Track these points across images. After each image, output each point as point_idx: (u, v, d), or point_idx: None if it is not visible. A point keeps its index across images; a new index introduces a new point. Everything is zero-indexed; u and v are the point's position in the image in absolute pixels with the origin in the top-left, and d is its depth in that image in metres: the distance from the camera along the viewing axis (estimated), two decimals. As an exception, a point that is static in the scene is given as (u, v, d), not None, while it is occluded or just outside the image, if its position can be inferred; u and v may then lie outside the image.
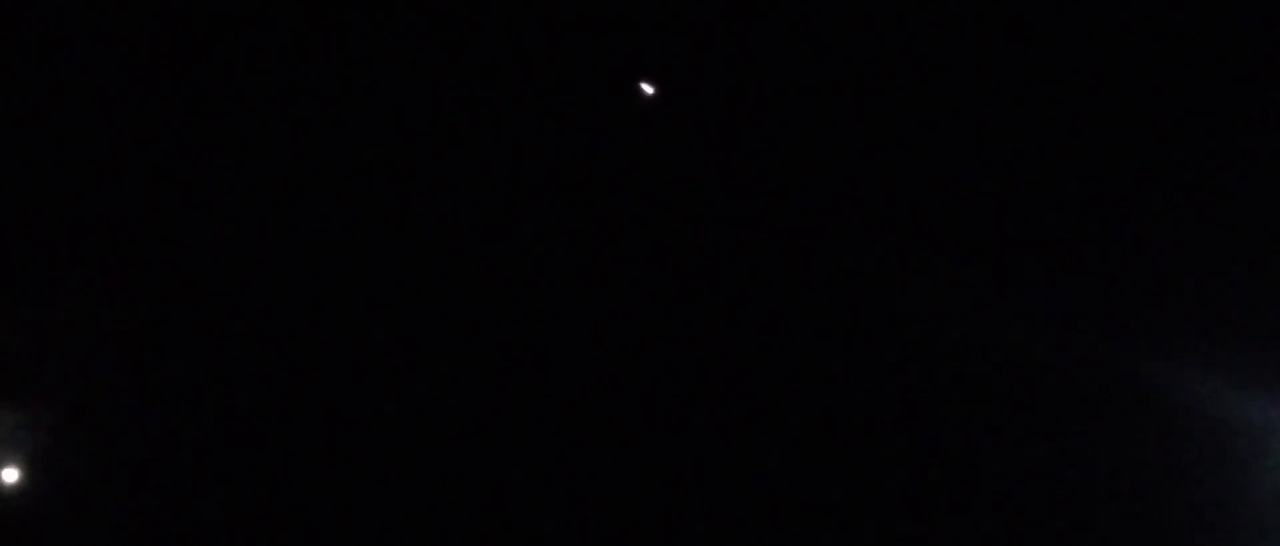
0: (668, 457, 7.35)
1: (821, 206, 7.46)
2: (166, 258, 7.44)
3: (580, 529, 7.33)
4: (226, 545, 7.25)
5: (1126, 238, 7.17)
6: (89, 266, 7.36)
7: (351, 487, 7.33)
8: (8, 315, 7.18)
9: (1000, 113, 7.33)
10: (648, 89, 7.47)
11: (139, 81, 7.41)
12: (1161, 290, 7.03)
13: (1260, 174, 6.99)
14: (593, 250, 7.51)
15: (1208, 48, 7.07)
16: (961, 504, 7.17)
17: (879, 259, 7.33)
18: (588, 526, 7.32)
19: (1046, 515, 7.02)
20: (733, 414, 7.39)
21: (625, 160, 7.54)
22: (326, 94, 7.50)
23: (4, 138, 7.28)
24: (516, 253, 7.52)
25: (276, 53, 7.46)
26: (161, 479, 7.28)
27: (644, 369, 7.43)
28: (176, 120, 7.44)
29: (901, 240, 7.36)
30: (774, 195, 7.49)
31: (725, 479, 7.32)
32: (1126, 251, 7.16)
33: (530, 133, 7.53)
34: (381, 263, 7.51)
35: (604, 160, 7.53)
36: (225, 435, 7.38)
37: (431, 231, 7.51)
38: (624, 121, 7.54)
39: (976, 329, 7.15)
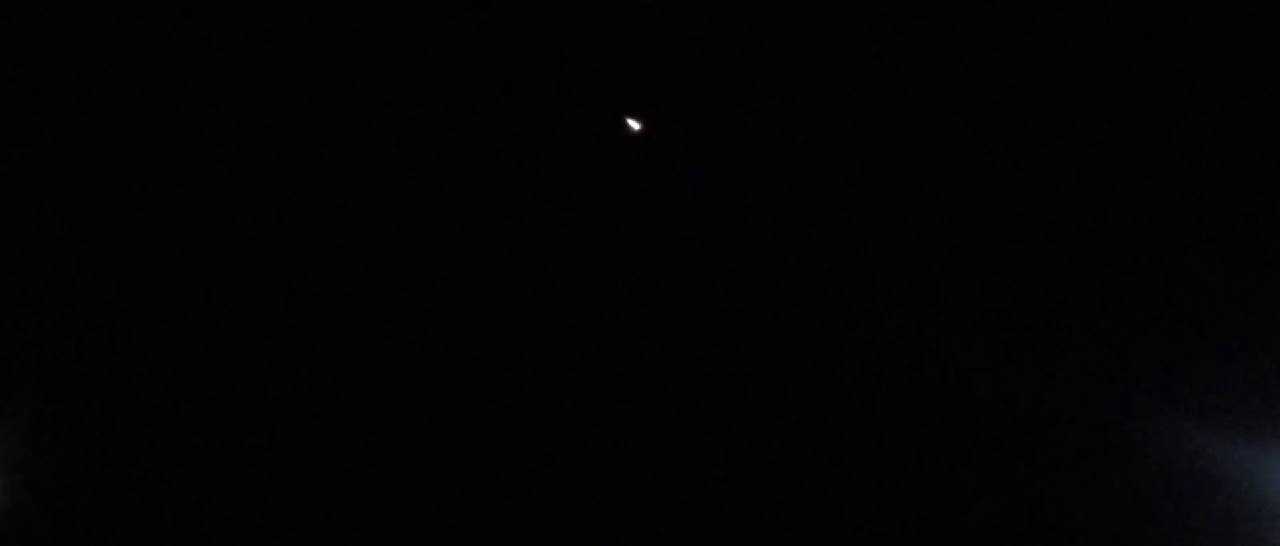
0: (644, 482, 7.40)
1: (804, 245, 7.51)
2: (137, 263, 7.43)
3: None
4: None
5: (1128, 287, 7.22)
6: (58, 273, 7.35)
7: (327, 494, 7.35)
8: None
9: (994, 161, 7.36)
10: (634, 124, 7.49)
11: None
12: (1161, 341, 7.10)
13: (1261, 225, 7.04)
14: (577, 287, 7.54)
15: (1209, 94, 7.13)
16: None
17: (874, 311, 7.37)
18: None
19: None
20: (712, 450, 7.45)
21: (610, 193, 7.58)
22: (300, 114, 7.52)
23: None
24: (497, 287, 7.56)
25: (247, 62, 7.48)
26: (133, 486, 7.27)
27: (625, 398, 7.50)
28: (138, 125, 7.44)
29: (897, 291, 7.40)
30: (759, 231, 7.54)
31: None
32: (1127, 300, 7.21)
33: (516, 165, 7.56)
34: (344, 278, 7.54)
35: (589, 194, 7.57)
36: (199, 442, 7.36)
37: (408, 259, 7.55)
38: (608, 156, 7.57)
39: (973, 381, 7.19)
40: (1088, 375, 7.10)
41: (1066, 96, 7.24)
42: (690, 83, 7.51)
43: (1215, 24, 6.93)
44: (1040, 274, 7.29)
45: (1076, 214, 7.25)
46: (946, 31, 7.27)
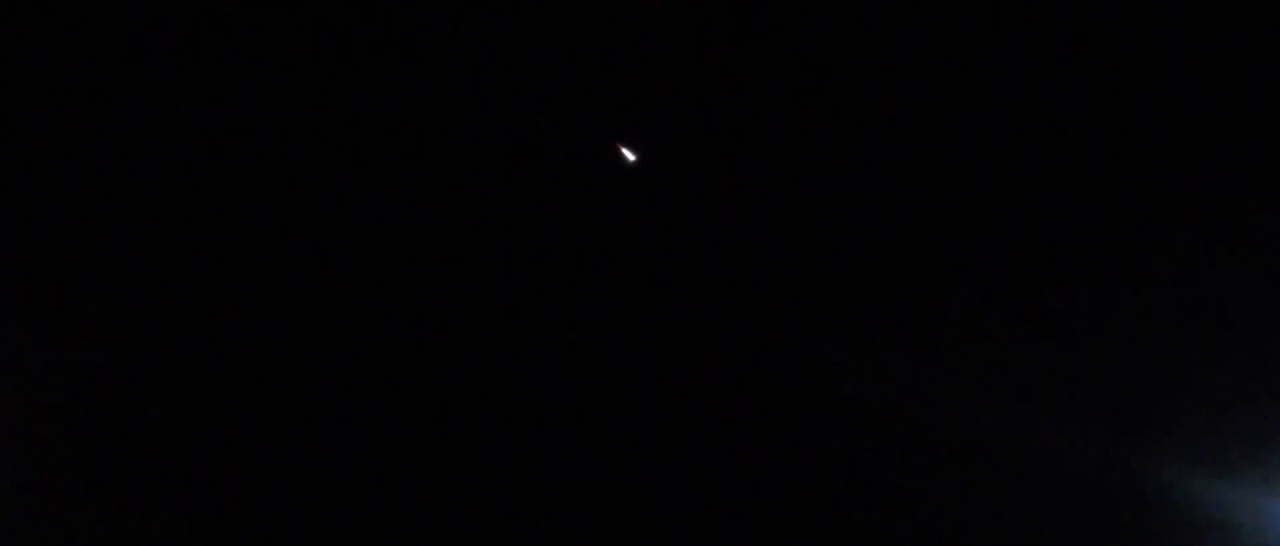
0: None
1: (802, 274, 7.49)
2: (134, 263, 7.48)
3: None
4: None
5: (1126, 328, 7.17)
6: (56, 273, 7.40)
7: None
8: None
9: (995, 197, 7.32)
10: (629, 154, 7.48)
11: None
12: (1160, 382, 7.04)
13: (1260, 262, 6.99)
14: (574, 320, 7.56)
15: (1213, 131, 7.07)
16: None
17: (872, 351, 7.35)
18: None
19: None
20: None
21: (606, 226, 7.58)
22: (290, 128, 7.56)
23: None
24: (494, 316, 7.58)
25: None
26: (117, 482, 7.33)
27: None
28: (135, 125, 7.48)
29: (894, 329, 7.36)
30: (757, 258, 7.53)
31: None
32: (1126, 341, 7.17)
33: (512, 198, 7.58)
34: (341, 281, 7.57)
35: (585, 226, 7.58)
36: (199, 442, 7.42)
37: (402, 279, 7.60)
38: (605, 186, 7.57)
39: (970, 419, 7.16)
40: (1086, 416, 7.07)
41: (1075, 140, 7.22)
42: (686, 111, 7.51)
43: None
44: (1037, 313, 7.25)
45: (1076, 253, 7.22)
46: (948, 56, 7.28)
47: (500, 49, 7.42)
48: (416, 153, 7.50)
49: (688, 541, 7.36)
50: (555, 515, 7.41)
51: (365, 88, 7.46)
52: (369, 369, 7.50)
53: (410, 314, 7.53)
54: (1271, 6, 6.75)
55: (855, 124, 7.34)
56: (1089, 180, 7.12)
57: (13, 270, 7.30)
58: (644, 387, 7.45)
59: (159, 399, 7.41)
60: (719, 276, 7.48)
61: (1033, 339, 7.20)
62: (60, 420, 7.28)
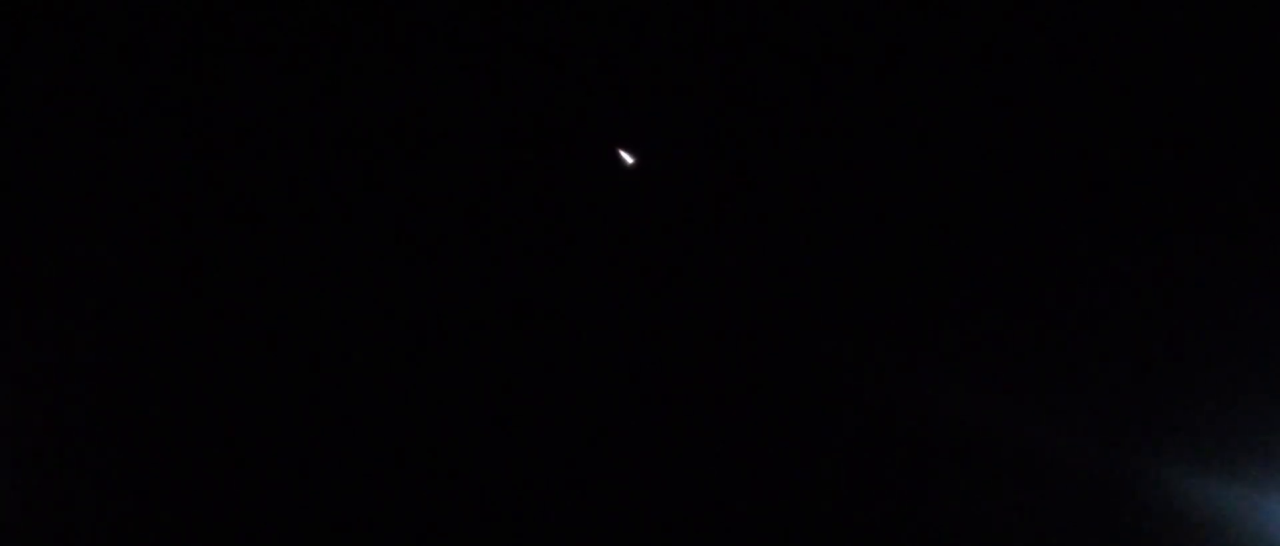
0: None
1: (802, 275, 7.50)
2: (133, 263, 7.48)
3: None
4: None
5: (1126, 324, 7.16)
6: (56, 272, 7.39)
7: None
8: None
9: (995, 197, 7.31)
10: (628, 158, 7.48)
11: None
12: (1159, 382, 7.05)
13: (1260, 262, 6.98)
14: (574, 323, 7.56)
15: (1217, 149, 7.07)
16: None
17: (873, 351, 7.35)
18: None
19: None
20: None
21: (605, 229, 7.58)
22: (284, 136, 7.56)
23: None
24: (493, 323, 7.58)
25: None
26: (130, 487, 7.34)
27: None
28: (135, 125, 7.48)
29: (895, 329, 7.37)
30: (756, 259, 7.53)
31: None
32: (1126, 338, 7.16)
33: (511, 199, 7.58)
34: (341, 282, 7.57)
35: (584, 229, 7.58)
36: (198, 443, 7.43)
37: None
38: (603, 189, 7.57)
39: (970, 419, 7.17)
40: (1086, 416, 7.07)
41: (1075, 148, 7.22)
42: (684, 113, 7.51)
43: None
44: (1037, 313, 7.24)
45: (1076, 253, 7.21)
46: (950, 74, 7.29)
47: (500, 49, 7.42)
48: (416, 153, 7.50)
49: (688, 541, 7.36)
50: (555, 515, 7.41)
51: (365, 88, 7.46)
52: (369, 369, 7.51)
53: (410, 314, 7.53)
54: (1272, 6, 6.75)
55: (855, 124, 7.35)
56: (1089, 180, 7.12)
57: (13, 270, 7.31)
58: (644, 388, 7.46)
59: (159, 399, 7.42)
60: (718, 279, 7.48)
61: (1033, 339, 7.20)
62: (60, 420, 7.29)
